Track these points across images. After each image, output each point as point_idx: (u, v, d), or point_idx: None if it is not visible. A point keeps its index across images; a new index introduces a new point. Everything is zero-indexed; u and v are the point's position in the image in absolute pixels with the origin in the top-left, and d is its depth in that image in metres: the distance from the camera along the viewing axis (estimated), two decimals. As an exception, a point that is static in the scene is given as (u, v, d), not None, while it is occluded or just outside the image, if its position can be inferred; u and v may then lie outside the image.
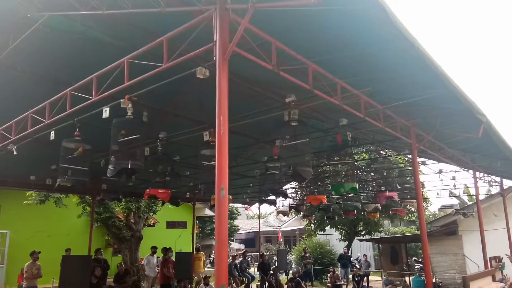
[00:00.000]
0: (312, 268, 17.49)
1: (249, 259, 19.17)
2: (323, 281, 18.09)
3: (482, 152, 8.60)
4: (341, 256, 17.79)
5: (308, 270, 16.85)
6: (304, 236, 24.86)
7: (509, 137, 7.22)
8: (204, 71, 3.56)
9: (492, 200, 14.84)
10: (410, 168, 13.77)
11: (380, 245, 19.66)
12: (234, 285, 13.35)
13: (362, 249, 23.83)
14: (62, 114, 4.98)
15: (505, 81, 77.54)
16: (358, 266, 17.82)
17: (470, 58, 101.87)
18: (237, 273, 14.59)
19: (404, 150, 10.10)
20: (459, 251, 15.61)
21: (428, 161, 10.86)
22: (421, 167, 12.23)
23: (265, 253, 18.39)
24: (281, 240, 31.17)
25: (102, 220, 14.66)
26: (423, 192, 15.88)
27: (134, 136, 4.89)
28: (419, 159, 10.44)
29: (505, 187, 12.62)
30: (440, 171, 11.51)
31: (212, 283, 11.64)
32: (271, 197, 13.09)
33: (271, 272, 15.18)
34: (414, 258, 19.29)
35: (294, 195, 16.38)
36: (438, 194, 13.88)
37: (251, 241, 34.66)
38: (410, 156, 9.77)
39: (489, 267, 9.57)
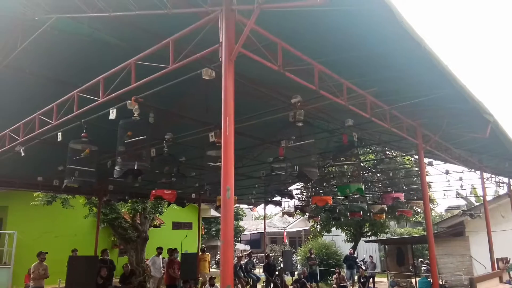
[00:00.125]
0: (318, 269, 17.44)
1: (255, 260, 19.16)
2: (329, 282, 18.03)
3: (489, 152, 8.53)
4: (347, 257, 17.72)
5: (314, 271, 16.80)
6: (309, 237, 24.81)
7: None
8: (210, 72, 3.57)
9: (499, 201, 14.71)
10: (416, 168, 13.70)
11: (386, 246, 19.56)
12: (239, 286, 13.36)
13: (368, 250, 23.74)
14: (69, 116, 5.01)
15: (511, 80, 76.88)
16: (364, 268, 17.74)
17: (476, 57, 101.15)
18: (242, 274, 14.59)
19: (410, 150, 10.06)
20: (466, 253, 15.49)
21: (434, 162, 10.80)
22: (428, 168, 12.17)
23: (270, 254, 18.37)
24: (286, 241, 31.12)
25: (109, 221, 14.74)
26: (430, 193, 15.79)
27: (140, 137, 4.91)
28: (426, 160, 10.38)
29: (512, 187, 12.49)
30: (447, 172, 11.44)
31: (217, 284, 11.65)
32: (277, 198, 13.07)
33: (277, 273, 15.16)
34: (420, 259, 19.17)
35: (299, 196, 16.37)
36: (444, 195, 13.80)
37: (256, 242, 34.65)
38: (416, 156, 9.72)
39: (496, 268, 9.49)
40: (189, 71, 3.76)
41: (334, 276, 16.38)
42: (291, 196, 12.73)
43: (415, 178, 14.46)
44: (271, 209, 43.73)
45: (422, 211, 16.63)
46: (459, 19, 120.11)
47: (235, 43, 3.13)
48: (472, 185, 13.97)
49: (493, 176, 11.44)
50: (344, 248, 21.04)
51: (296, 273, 17.73)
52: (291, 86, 4.98)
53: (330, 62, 4.28)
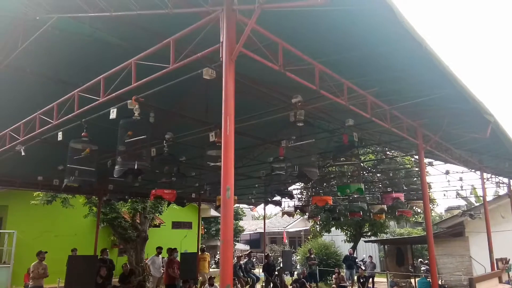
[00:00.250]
0: (317, 269, 17.45)
1: (254, 260, 19.16)
2: (328, 282, 18.04)
3: (489, 152, 8.54)
4: (346, 257, 17.73)
5: (313, 271, 16.80)
6: (309, 237, 24.82)
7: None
8: (211, 72, 3.57)
9: (499, 202, 14.72)
10: (416, 169, 13.70)
11: (385, 247, 19.57)
12: (239, 285, 13.35)
13: (367, 251, 23.75)
14: (69, 115, 5.01)
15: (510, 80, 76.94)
16: (363, 268, 17.75)
17: (476, 57, 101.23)
18: (242, 274, 14.60)
19: (410, 150, 10.06)
20: (465, 253, 15.49)
21: (435, 162, 10.81)
22: (428, 168, 12.17)
23: (270, 254, 18.37)
24: (286, 241, 31.12)
25: (108, 221, 14.74)
26: (430, 193, 15.80)
27: (140, 137, 4.91)
28: (426, 160, 10.38)
29: (512, 188, 12.49)
30: (447, 172, 11.44)
31: (216, 284, 11.65)
32: (277, 198, 13.08)
33: (276, 273, 15.17)
34: (420, 259, 19.19)
35: (299, 196, 16.37)
36: (444, 195, 13.80)
37: (256, 242, 34.67)
38: (416, 157, 9.72)
39: (495, 269, 9.49)
40: (190, 70, 3.76)
41: (334, 276, 16.39)
42: (291, 196, 12.74)
43: (415, 178, 14.46)
44: (271, 209, 43.71)
45: (422, 211, 16.65)
46: (459, 19, 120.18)
47: (236, 42, 3.13)
48: (472, 185, 13.99)
49: (493, 176, 11.44)
50: (343, 248, 21.05)
51: (295, 273, 17.73)
52: (292, 86, 4.98)
53: (331, 62, 4.28)
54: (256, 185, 12.40)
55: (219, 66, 3.21)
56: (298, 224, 32.09)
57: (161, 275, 13.24)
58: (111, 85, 4.34)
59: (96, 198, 13.10)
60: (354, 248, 19.49)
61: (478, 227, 14.19)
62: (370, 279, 16.64)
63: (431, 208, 19.38)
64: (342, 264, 18.47)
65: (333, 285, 15.64)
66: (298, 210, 15.11)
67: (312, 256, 17.52)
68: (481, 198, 12.53)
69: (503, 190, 13.03)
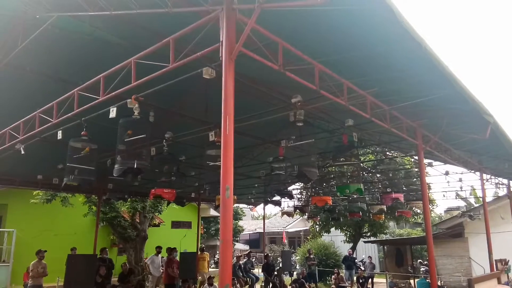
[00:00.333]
0: (317, 270, 17.45)
1: (254, 260, 19.18)
2: (327, 282, 18.04)
3: (489, 153, 8.53)
4: (345, 258, 17.73)
5: (312, 271, 16.81)
6: (309, 238, 24.83)
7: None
8: (211, 71, 3.57)
9: (499, 203, 14.72)
10: (416, 169, 13.70)
11: (385, 247, 19.57)
12: (238, 285, 13.36)
13: (367, 251, 23.75)
14: (69, 114, 5.01)
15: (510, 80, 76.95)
16: (362, 268, 17.76)
17: (475, 57, 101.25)
18: (241, 274, 14.60)
19: (410, 151, 10.06)
20: (465, 254, 15.51)
21: (434, 163, 10.81)
22: (428, 169, 12.18)
23: (269, 254, 18.38)
24: (285, 241, 31.13)
25: (108, 220, 14.74)
26: (429, 194, 15.80)
27: (140, 136, 4.91)
28: (426, 161, 10.38)
29: (512, 189, 12.50)
30: (447, 173, 11.43)
31: (216, 283, 11.65)
32: (276, 198, 13.08)
33: (275, 273, 15.17)
34: (419, 260, 19.19)
35: (299, 196, 16.37)
36: (444, 196, 13.79)
37: (255, 241, 34.67)
38: (416, 157, 9.72)
39: (495, 270, 9.49)
40: (190, 70, 3.76)
41: (333, 276, 16.39)
42: (290, 196, 12.74)
43: (414, 179, 14.46)
44: (270, 209, 43.71)
45: (421, 212, 16.64)
46: (459, 19, 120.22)
47: (235, 42, 3.13)
48: (471, 186, 13.99)
49: (492, 177, 11.44)
50: (343, 248, 21.06)
51: (295, 273, 17.74)
52: (292, 85, 4.98)
53: (331, 62, 4.28)
54: (256, 185, 12.40)
55: (219, 65, 3.21)
56: (298, 224, 32.09)
57: (161, 274, 13.24)
58: (110, 84, 4.34)
59: (96, 197, 13.10)
60: (353, 248, 19.49)
61: (478, 228, 14.19)
62: (370, 280, 16.64)
63: (431, 209, 19.39)
64: (341, 264, 18.48)
65: (332, 286, 15.65)
66: (297, 210, 15.11)
67: (312, 256, 17.53)
68: (481, 199, 12.54)
69: (502, 191, 13.05)
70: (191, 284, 11.87)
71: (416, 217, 19.37)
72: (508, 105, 70.92)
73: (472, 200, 19.50)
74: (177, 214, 20.43)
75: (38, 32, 4.77)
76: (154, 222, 17.79)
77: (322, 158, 9.90)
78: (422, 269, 17.49)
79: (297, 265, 21.90)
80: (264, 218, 19.05)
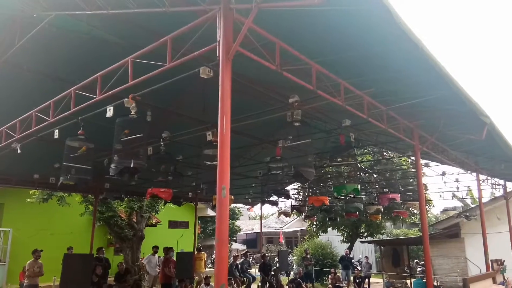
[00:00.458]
0: (313, 270, 17.46)
1: (251, 259, 19.17)
2: (324, 282, 18.07)
3: (485, 154, 8.56)
4: (342, 258, 17.75)
5: (309, 271, 16.82)
6: (306, 237, 24.85)
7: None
8: (208, 71, 3.56)
9: (495, 203, 14.79)
10: (413, 170, 13.74)
11: (382, 247, 19.61)
12: (235, 285, 13.35)
13: (363, 251, 23.79)
14: (66, 113, 5.00)
15: (508, 81, 77.25)
16: (359, 268, 17.79)
17: (472, 58, 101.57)
18: (238, 274, 14.60)
19: (407, 151, 10.09)
20: (461, 254, 15.56)
21: (431, 163, 10.84)
22: (424, 169, 12.21)
23: (266, 254, 18.38)
24: (282, 241, 31.15)
25: (105, 219, 14.70)
26: (426, 195, 15.84)
27: (137, 135, 4.91)
28: (422, 161, 10.41)
29: (508, 190, 12.55)
30: (443, 173, 11.46)
31: (212, 283, 11.62)
32: (273, 198, 13.08)
33: (272, 273, 15.18)
34: (416, 260, 19.24)
35: (296, 196, 16.39)
36: (441, 196, 13.83)
37: (252, 241, 34.67)
38: (413, 158, 9.76)
39: (490, 270, 9.53)
40: (187, 69, 3.76)
41: (330, 276, 16.42)
42: (287, 196, 12.76)
43: (411, 179, 14.51)
44: (267, 209, 43.79)
45: (418, 212, 16.69)
46: (457, 19, 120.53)
47: (232, 42, 3.14)
48: (468, 187, 14.03)
49: (489, 178, 11.49)
50: (340, 248, 21.09)
51: (291, 273, 17.75)
52: (289, 85, 4.99)
53: (328, 62, 4.29)
54: (253, 185, 12.39)
55: (216, 65, 3.21)
56: (295, 224, 32.12)
57: (157, 274, 13.23)
58: (108, 83, 4.33)
59: (93, 197, 13.07)
60: (350, 248, 19.51)
61: (474, 229, 14.24)
62: (366, 280, 16.67)
63: (427, 209, 19.43)
64: (338, 264, 18.49)
65: (329, 285, 15.67)
66: (294, 210, 15.13)
67: (308, 256, 17.55)
68: (477, 200, 12.59)
69: (499, 192, 13.09)
70: (187, 284, 11.86)
71: (412, 217, 19.42)
72: (505, 106, 71.17)
73: (468, 201, 19.56)
74: (174, 214, 20.40)
75: (35, 31, 4.75)
76: (151, 221, 17.76)
77: (319, 158, 9.91)
78: (418, 269, 17.55)
79: (294, 265, 21.90)
80: (261, 218, 19.06)
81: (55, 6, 4.40)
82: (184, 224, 21.87)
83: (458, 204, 18.46)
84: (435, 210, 26.11)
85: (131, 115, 4.78)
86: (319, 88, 4.28)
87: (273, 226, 33.41)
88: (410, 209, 14.98)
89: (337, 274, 16.40)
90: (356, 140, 7.32)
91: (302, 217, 19.87)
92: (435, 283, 14.49)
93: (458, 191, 13.07)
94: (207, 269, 15.70)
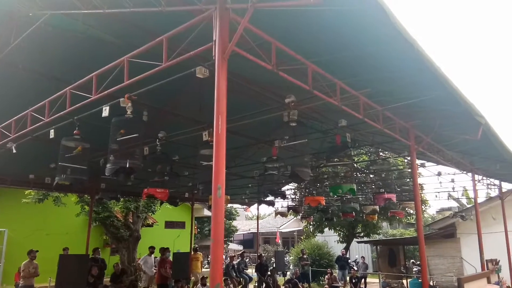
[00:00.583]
0: (310, 270, 17.49)
1: (247, 260, 19.17)
2: (321, 282, 18.09)
3: (481, 154, 8.60)
4: (339, 258, 17.79)
5: (306, 271, 16.85)
6: (302, 238, 24.87)
7: (508, 139, 7.22)
8: (204, 70, 3.56)
9: (491, 203, 14.87)
10: (409, 170, 13.78)
11: (378, 247, 19.67)
12: (231, 285, 13.34)
13: (360, 251, 23.85)
14: (61, 113, 4.98)
15: (503, 82, 77.68)
16: (356, 268, 17.83)
17: (467, 58, 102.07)
18: (234, 274, 14.60)
19: (403, 152, 10.11)
20: (457, 254, 15.67)
21: (427, 163, 10.88)
22: (420, 170, 12.25)
23: (263, 254, 18.39)
24: (279, 241, 31.17)
25: (101, 220, 14.66)
26: (422, 195, 15.90)
27: (132, 135, 4.90)
28: (418, 161, 10.44)
29: (503, 190, 12.62)
30: (439, 174, 11.50)
31: (209, 284, 11.63)
32: (270, 198, 13.09)
33: (269, 273, 15.19)
34: (412, 260, 19.32)
35: (293, 196, 16.40)
36: (436, 196, 13.88)
37: (249, 242, 34.68)
38: (409, 158, 9.79)
39: (486, 270, 9.57)
40: (183, 69, 3.75)
41: (326, 276, 16.44)
42: (283, 196, 12.77)
43: (407, 180, 14.54)
44: (264, 209, 43.71)
45: (414, 213, 16.73)
46: (453, 19, 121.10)
47: (228, 41, 3.13)
48: (463, 187, 14.10)
49: (484, 178, 11.53)
50: (336, 248, 21.13)
51: (288, 273, 17.76)
52: (285, 85, 4.99)
53: (324, 62, 4.29)
54: (250, 185, 12.40)
55: (212, 65, 3.21)
56: (292, 224, 32.15)
57: (154, 274, 13.20)
58: (103, 83, 4.32)
59: (88, 197, 13.02)
60: (347, 248, 19.55)
61: (470, 229, 14.33)
62: (363, 280, 16.71)
63: (423, 209, 19.50)
64: (334, 264, 18.53)
65: (325, 286, 15.68)
66: (291, 211, 15.14)
67: (305, 256, 17.57)
68: (473, 200, 12.64)
69: (494, 192, 13.15)
70: (183, 284, 11.83)
71: (409, 217, 19.48)
72: (500, 106, 71.55)
73: (464, 201, 19.64)
74: (171, 214, 20.37)
75: (31, 30, 4.73)
76: (148, 222, 17.72)
77: (315, 158, 9.92)
78: (414, 269, 17.61)
79: (291, 265, 21.93)
80: (258, 218, 19.06)
81: (51, 5, 4.38)
82: (180, 225, 21.84)
83: (454, 204, 18.54)
84: (431, 210, 26.19)
85: (127, 115, 4.77)
86: (315, 88, 4.29)
87: (270, 227, 33.42)
88: (406, 209, 15.05)
89: (334, 274, 16.43)
90: (352, 140, 7.33)
91: (299, 217, 19.87)
92: (431, 283, 14.56)
93: (453, 191, 13.13)
94: (203, 270, 15.68)
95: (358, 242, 20.79)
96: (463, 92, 4.72)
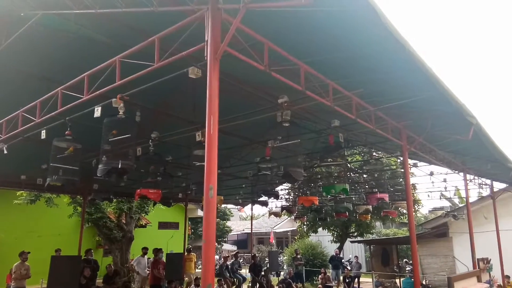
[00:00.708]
0: (304, 270, 17.52)
1: (241, 260, 19.14)
2: (314, 282, 18.13)
3: (472, 154, 8.68)
4: (332, 258, 17.85)
5: (299, 271, 16.87)
6: (296, 238, 24.91)
7: (499, 139, 7.30)
8: (197, 71, 3.56)
9: (482, 203, 15.00)
10: (402, 170, 13.86)
11: (371, 247, 19.76)
12: (225, 286, 13.32)
13: (353, 251, 23.94)
14: (53, 113, 4.95)
15: (496, 82, 78.42)
16: (349, 268, 17.90)
17: (460, 59, 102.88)
18: (228, 274, 14.59)
19: (395, 152, 10.17)
20: (449, 253, 15.78)
21: (419, 163, 10.95)
22: (413, 169, 12.32)
23: (256, 255, 18.39)
24: (273, 241, 31.19)
25: (93, 221, 14.56)
26: (415, 194, 16.00)
27: (125, 136, 4.87)
28: (411, 161, 10.51)
29: (495, 189, 12.73)
30: (431, 173, 11.58)
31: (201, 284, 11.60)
32: (263, 198, 13.09)
33: (263, 273, 15.19)
34: (405, 259, 19.44)
35: (287, 196, 16.42)
36: (429, 196, 13.98)
37: (243, 242, 34.64)
38: (402, 158, 9.85)
39: (477, 268, 9.66)
40: (176, 69, 3.75)
41: (320, 276, 16.48)
42: (276, 196, 12.77)
43: (400, 179, 14.63)
44: (258, 209, 43.77)
45: (407, 212, 16.83)
46: (446, 19, 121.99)
47: (220, 42, 3.13)
48: (456, 186, 14.21)
49: (476, 177, 11.64)
50: (330, 248, 21.20)
51: (282, 273, 17.77)
52: (278, 86, 5.00)
53: (316, 63, 4.30)
54: (244, 185, 12.40)
55: (204, 65, 3.21)
56: (286, 224, 32.19)
57: (147, 275, 13.15)
58: (95, 83, 4.30)
59: (81, 198, 12.93)
60: (340, 248, 19.62)
61: (462, 228, 14.44)
62: (356, 279, 16.78)
63: (416, 209, 19.62)
64: (328, 264, 18.58)
65: (319, 285, 15.72)
66: (285, 211, 15.16)
67: (299, 256, 17.60)
68: (465, 199, 12.73)
69: (486, 192, 13.27)
70: (177, 285, 11.79)
71: (402, 217, 19.60)
72: (491, 106, 72.21)
73: (456, 200, 19.81)
74: (164, 215, 20.30)
75: (22, 30, 4.69)
76: (141, 223, 17.64)
77: (309, 158, 9.95)
78: (408, 268, 17.72)
79: (284, 265, 21.96)
80: (251, 218, 19.06)
81: (43, 5, 4.35)
82: (174, 225, 21.77)
83: (446, 203, 18.70)
84: (423, 209, 26.39)
85: (119, 115, 4.75)
86: (308, 88, 4.30)
87: (264, 227, 33.43)
88: (399, 209, 15.15)
89: (327, 274, 16.48)
90: (345, 140, 7.36)
91: (293, 217, 19.90)
92: (424, 282, 14.66)
93: (446, 190, 13.23)
94: (197, 270, 15.65)
95: (352, 242, 20.87)
96: (455, 93, 4.76)
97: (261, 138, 8.59)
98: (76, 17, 4.37)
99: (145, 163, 7.20)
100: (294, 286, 14.69)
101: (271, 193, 11.76)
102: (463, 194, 15.31)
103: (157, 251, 12.36)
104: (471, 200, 12.20)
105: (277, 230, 32.22)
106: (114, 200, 13.34)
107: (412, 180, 15.38)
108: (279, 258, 21.44)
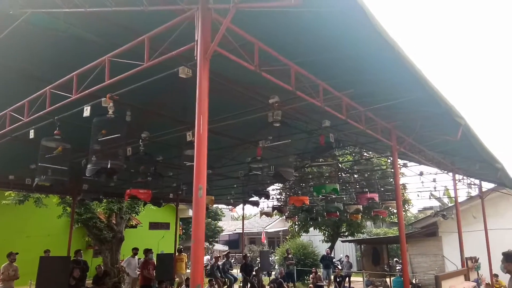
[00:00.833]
0: (295, 269, 17.58)
1: (233, 260, 19.16)
2: (305, 282, 18.20)
3: (461, 154, 8.77)
4: (323, 257, 17.94)
5: (291, 271, 16.93)
6: (288, 238, 24.98)
7: (487, 140, 7.39)
8: (187, 70, 3.55)
9: (471, 202, 15.19)
10: (392, 170, 13.97)
11: (362, 246, 19.89)
12: (216, 286, 13.31)
13: (344, 250, 24.08)
14: (41, 112, 4.90)
15: (488, 83, 79.42)
16: (340, 267, 18.00)
17: (452, 59, 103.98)
18: (219, 275, 14.58)
19: (385, 152, 10.25)
20: (438, 252, 15.95)
21: (409, 163, 11.04)
22: (403, 169, 12.44)
23: (248, 255, 18.40)
24: (265, 241, 31.23)
25: (83, 221, 14.44)
26: (405, 194, 16.13)
27: (114, 136, 4.84)
28: (400, 161, 10.60)
29: (483, 189, 12.89)
30: (421, 173, 11.69)
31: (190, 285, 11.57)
32: (255, 198, 13.10)
33: (254, 273, 15.21)
34: (395, 259, 19.61)
35: (278, 196, 16.45)
36: (418, 196, 14.11)
37: (235, 242, 34.65)
38: (391, 158, 9.92)
39: (465, 267, 9.77)
40: (166, 69, 3.74)
41: (311, 275, 16.56)
42: (267, 196, 12.78)
43: (391, 179, 14.74)
44: (250, 209, 43.64)
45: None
46: (438, 20, 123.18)
47: (211, 41, 3.13)
48: (445, 186, 14.34)
49: (465, 178, 11.76)
50: (321, 248, 21.30)
51: (273, 273, 17.81)
52: (269, 86, 5.01)
53: (307, 63, 4.32)
54: (235, 186, 12.39)
55: (194, 65, 3.20)
56: (277, 224, 32.26)
57: (137, 276, 13.08)
58: (84, 82, 4.27)
59: (70, 198, 12.82)
60: (331, 248, 19.72)
61: (451, 227, 14.59)
62: (347, 279, 16.88)
63: (406, 208, 19.78)
64: (319, 263, 18.67)
65: (310, 285, 15.80)
66: (276, 211, 15.19)
67: (290, 256, 17.65)
68: (454, 199, 12.86)
69: (474, 191, 13.42)
70: (167, 285, 11.76)
71: (392, 216, 19.75)
72: (480, 107, 73.08)
73: (445, 200, 20.00)
74: (155, 215, 20.20)
75: (11, 28, 4.63)
76: (131, 223, 17.54)
77: (300, 158, 9.97)
78: (398, 267, 17.87)
79: (276, 265, 22.00)
80: (243, 218, 19.04)
81: (32, 4, 4.30)
82: (165, 226, 21.68)
83: (436, 203, 18.87)
84: (413, 209, 26.61)
85: (109, 115, 4.72)
86: (298, 89, 4.31)
87: (256, 227, 33.46)
88: (390, 208, 15.26)
89: (318, 273, 16.56)
90: (336, 140, 7.39)
91: (284, 217, 19.96)
92: (414, 281, 14.79)
93: (435, 190, 13.34)
94: (188, 270, 15.61)
95: (343, 241, 20.98)
96: (443, 94, 4.81)
97: (252, 138, 8.60)
98: (66, 15, 4.33)
99: (135, 163, 7.16)
100: (285, 286, 14.74)
101: (262, 193, 11.75)
102: (452, 194, 15.47)
103: (147, 252, 12.33)
104: (460, 200, 12.34)
105: (269, 230, 32.27)
106: (104, 200, 13.24)
107: (402, 180, 15.53)
108: (270, 258, 21.48)
